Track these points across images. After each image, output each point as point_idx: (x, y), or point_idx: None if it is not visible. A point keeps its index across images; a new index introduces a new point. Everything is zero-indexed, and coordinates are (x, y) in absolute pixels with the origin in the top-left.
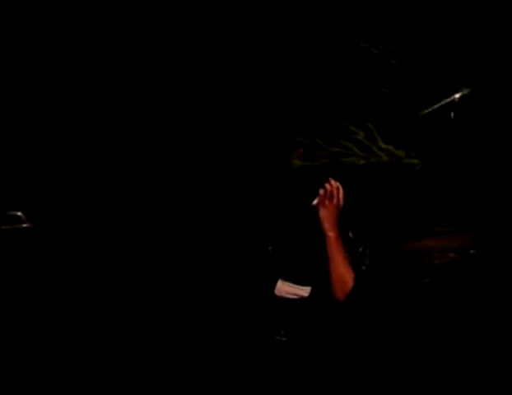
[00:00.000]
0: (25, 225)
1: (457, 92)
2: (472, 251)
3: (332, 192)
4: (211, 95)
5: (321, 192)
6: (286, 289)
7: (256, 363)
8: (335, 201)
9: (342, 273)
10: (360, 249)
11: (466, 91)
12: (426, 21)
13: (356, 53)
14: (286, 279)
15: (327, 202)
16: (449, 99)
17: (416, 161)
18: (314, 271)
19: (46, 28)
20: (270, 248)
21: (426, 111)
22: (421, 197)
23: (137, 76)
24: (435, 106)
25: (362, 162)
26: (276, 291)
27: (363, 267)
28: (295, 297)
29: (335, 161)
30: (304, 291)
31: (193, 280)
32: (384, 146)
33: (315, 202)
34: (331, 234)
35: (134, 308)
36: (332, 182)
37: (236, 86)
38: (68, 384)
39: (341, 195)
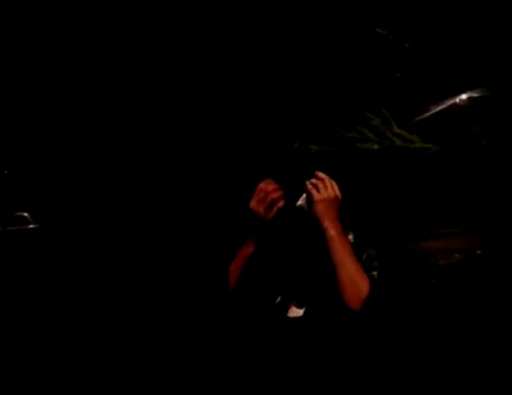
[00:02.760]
0: (31, 226)
1: (463, 93)
2: (477, 252)
3: (319, 184)
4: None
5: (308, 186)
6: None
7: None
8: (329, 192)
9: (354, 277)
10: (365, 256)
11: (475, 93)
12: (440, 8)
13: (372, 40)
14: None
15: (319, 196)
16: (452, 101)
17: (429, 145)
18: (312, 284)
19: (46, 29)
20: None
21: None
22: (429, 190)
23: (137, 77)
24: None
25: (376, 147)
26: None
27: (374, 273)
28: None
29: (350, 146)
30: (299, 312)
31: (182, 285)
32: (398, 131)
33: (300, 202)
34: (333, 231)
35: (135, 307)
36: (319, 174)
37: (244, 75)
38: (68, 384)
39: (334, 185)
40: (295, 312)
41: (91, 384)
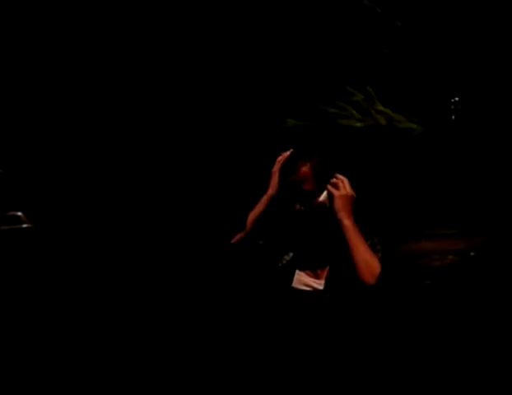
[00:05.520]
0: (25, 225)
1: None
2: (472, 253)
3: (339, 183)
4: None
5: (329, 186)
6: (303, 281)
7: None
8: (347, 190)
9: (368, 259)
10: (369, 242)
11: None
12: None
13: (359, 13)
14: (302, 269)
15: (338, 193)
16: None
17: (414, 126)
18: (330, 264)
19: (46, 29)
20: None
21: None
22: (423, 190)
23: (137, 78)
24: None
25: (359, 125)
26: (294, 283)
27: (379, 255)
28: (309, 289)
29: (331, 123)
30: (320, 284)
31: (201, 276)
32: (382, 109)
33: (321, 198)
34: (347, 221)
35: (134, 308)
36: (339, 176)
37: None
38: (68, 384)
39: (347, 185)
40: (313, 282)
41: (90, 384)
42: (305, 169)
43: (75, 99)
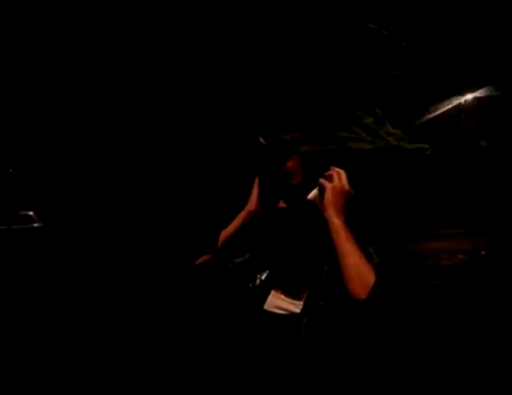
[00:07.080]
0: (36, 225)
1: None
2: (482, 252)
3: (334, 175)
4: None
5: (321, 179)
6: (277, 303)
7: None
8: (343, 183)
9: (359, 266)
10: (364, 254)
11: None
12: (437, 5)
13: (365, 36)
14: (279, 288)
15: (331, 185)
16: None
17: (425, 146)
18: (313, 281)
19: (47, 29)
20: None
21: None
22: (430, 190)
23: (137, 78)
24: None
25: (370, 146)
26: (266, 306)
27: (374, 263)
28: (283, 312)
29: (342, 146)
30: (297, 306)
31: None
32: (392, 130)
33: (311, 195)
34: (336, 220)
35: (138, 306)
36: (335, 168)
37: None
38: (68, 384)
39: (344, 178)
40: (290, 304)
41: (91, 384)
42: (293, 159)
43: (84, 102)
